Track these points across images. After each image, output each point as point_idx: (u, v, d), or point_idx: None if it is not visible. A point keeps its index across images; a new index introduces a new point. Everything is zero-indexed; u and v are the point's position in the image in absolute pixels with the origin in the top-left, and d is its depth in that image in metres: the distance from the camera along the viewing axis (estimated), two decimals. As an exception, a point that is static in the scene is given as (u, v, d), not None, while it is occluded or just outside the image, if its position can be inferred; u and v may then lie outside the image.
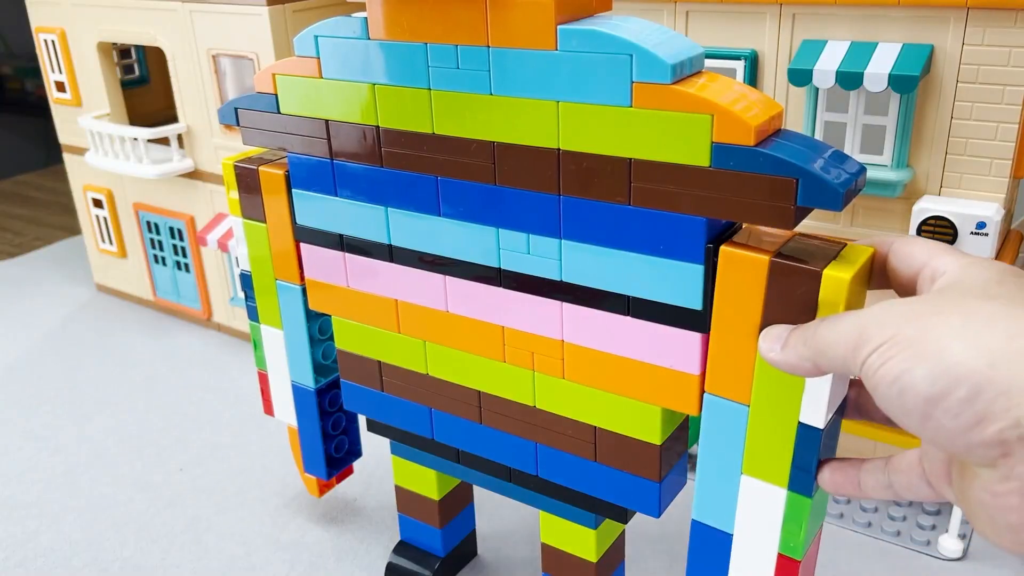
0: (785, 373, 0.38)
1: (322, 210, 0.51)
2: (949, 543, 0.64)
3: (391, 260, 0.49)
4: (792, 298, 0.37)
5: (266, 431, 0.82)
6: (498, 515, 0.70)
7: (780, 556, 0.42)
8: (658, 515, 0.46)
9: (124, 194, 1.04)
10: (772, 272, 0.37)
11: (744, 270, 0.38)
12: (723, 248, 0.38)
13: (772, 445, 0.40)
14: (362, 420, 0.63)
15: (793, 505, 0.40)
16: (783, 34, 0.62)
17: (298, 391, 0.61)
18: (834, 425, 0.40)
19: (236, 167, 0.55)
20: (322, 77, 0.46)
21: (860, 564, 0.64)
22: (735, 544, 0.43)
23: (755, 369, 0.39)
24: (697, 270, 0.39)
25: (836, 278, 0.36)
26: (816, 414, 0.38)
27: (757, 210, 0.36)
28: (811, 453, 0.39)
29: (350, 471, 0.70)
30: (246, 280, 0.60)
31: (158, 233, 1.03)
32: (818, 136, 0.62)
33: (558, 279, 0.43)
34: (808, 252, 0.37)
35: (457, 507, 0.62)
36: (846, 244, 0.38)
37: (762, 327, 0.38)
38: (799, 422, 0.39)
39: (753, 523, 0.42)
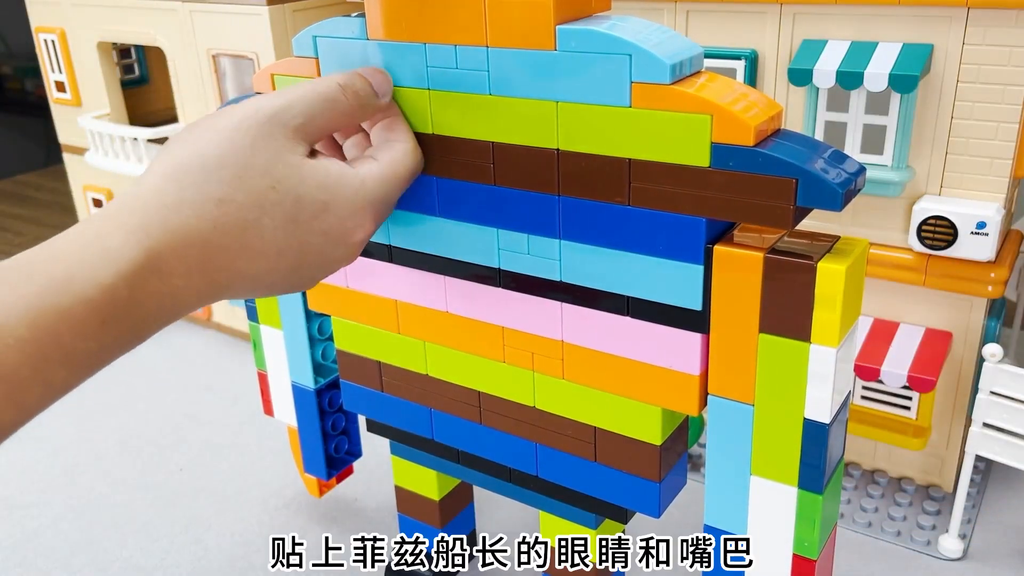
0: (787, 371, 0.38)
1: (321, 210, 0.51)
2: (949, 543, 0.64)
3: (390, 260, 0.49)
4: (789, 293, 0.37)
5: (266, 431, 0.82)
6: (498, 515, 0.69)
7: (795, 556, 0.41)
8: (658, 515, 0.46)
9: (124, 194, 1.04)
10: (767, 268, 0.37)
11: (739, 268, 0.38)
12: (717, 248, 0.38)
13: (779, 444, 0.40)
14: (362, 420, 0.63)
15: (805, 503, 0.40)
16: (783, 34, 0.62)
17: (298, 391, 0.61)
18: (840, 420, 0.40)
19: (235, 167, 0.55)
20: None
21: (860, 564, 0.64)
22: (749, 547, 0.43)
23: (757, 368, 0.39)
24: (697, 270, 0.39)
25: (832, 270, 0.36)
26: (821, 409, 0.38)
27: (756, 210, 0.36)
28: (819, 449, 0.39)
29: (350, 471, 0.70)
30: (245, 280, 0.60)
31: (158, 233, 1.03)
32: (819, 136, 0.62)
33: (558, 279, 0.43)
34: (802, 247, 0.37)
35: (457, 507, 0.62)
36: (839, 237, 0.38)
37: (761, 325, 0.38)
38: (805, 418, 0.39)
39: (766, 524, 0.42)
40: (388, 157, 0.41)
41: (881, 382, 0.63)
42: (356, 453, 0.68)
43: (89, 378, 0.34)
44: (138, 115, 1.03)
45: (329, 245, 0.39)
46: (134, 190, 0.36)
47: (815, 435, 0.39)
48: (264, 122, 0.37)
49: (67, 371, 0.32)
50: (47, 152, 1.79)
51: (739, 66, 0.63)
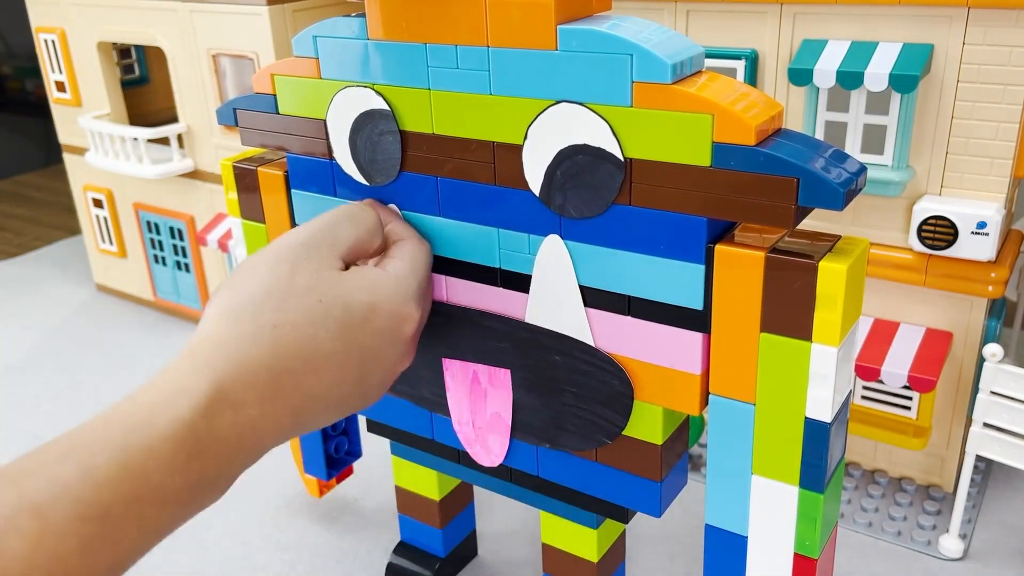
0: (789, 370, 0.38)
1: (321, 210, 0.51)
2: (950, 543, 0.64)
3: (391, 260, 0.49)
4: (790, 292, 0.37)
5: (266, 431, 0.82)
6: (498, 515, 0.69)
7: (796, 556, 0.41)
8: (659, 515, 0.46)
9: (124, 194, 1.04)
10: (768, 267, 0.37)
11: (740, 268, 0.38)
12: (718, 247, 0.38)
13: (781, 443, 0.40)
14: (362, 420, 0.63)
15: (806, 503, 0.40)
16: (783, 34, 0.62)
17: (298, 391, 0.61)
18: (841, 419, 0.40)
19: (235, 167, 0.55)
20: (321, 77, 0.46)
21: (861, 564, 0.64)
22: (750, 546, 0.43)
23: (758, 367, 0.39)
24: (698, 270, 0.39)
25: (833, 269, 0.36)
26: (822, 409, 0.38)
27: (758, 210, 0.36)
28: (820, 448, 0.39)
29: (350, 471, 0.70)
30: (246, 280, 0.60)
31: (158, 233, 1.03)
32: (819, 136, 0.62)
33: (558, 279, 0.43)
34: (803, 246, 0.37)
35: (457, 507, 0.62)
36: (840, 237, 0.38)
37: (763, 324, 0.38)
38: (806, 417, 0.39)
39: (767, 523, 0.42)
40: (405, 252, 0.44)
41: (881, 382, 0.63)
42: (356, 453, 0.68)
43: (183, 523, 0.35)
44: (138, 115, 1.03)
45: (385, 345, 0.41)
46: (195, 337, 0.38)
47: (816, 434, 0.39)
48: (298, 248, 0.40)
49: (158, 509, 0.33)
50: (47, 152, 1.79)
51: (739, 66, 0.63)
